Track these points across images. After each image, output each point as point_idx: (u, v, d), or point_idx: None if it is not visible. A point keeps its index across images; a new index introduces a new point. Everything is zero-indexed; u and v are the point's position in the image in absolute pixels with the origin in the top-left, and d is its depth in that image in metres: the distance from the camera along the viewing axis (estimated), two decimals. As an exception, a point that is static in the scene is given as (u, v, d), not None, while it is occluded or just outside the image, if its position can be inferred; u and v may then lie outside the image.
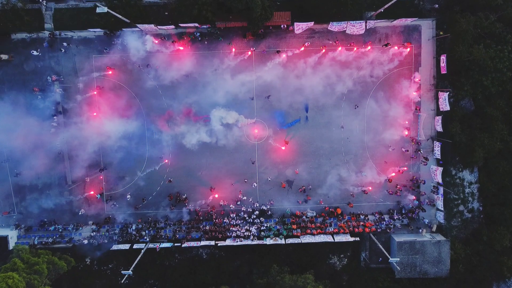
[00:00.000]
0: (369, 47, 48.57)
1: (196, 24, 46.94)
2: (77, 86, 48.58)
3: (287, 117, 49.87)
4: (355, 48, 48.57)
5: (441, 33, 47.60)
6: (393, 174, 49.90)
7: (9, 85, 48.57)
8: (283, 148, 49.65)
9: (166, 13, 48.67)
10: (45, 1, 47.61)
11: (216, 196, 49.99)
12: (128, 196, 49.77)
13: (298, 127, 50.01)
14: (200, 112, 49.17)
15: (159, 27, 47.21)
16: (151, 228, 49.81)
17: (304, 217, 50.25)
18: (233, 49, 48.63)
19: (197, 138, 48.53)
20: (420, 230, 50.18)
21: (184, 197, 49.99)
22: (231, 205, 50.32)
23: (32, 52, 47.81)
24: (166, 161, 49.50)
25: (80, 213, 49.89)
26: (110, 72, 48.54)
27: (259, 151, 50.16)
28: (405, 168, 50.08)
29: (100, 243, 49.37)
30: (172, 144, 49.34)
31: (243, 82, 48.68)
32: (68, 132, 48.76)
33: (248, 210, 50.29)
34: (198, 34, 48.45)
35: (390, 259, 46.25)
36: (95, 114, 48.70)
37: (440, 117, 47.58)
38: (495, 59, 45.79)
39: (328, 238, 48.44)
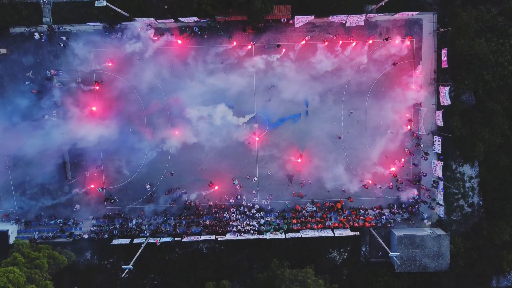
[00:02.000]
0: (370, 41, 48.19)
1: (196, 18, 46.61)
2: (76, 81, 48.26)
3: (274, 117, 49.59)
4: (355, 43, 48.21)
5: (442, 29, 47.26)
6: (394, 168, 49.83)
7: (7, 79, 48.19)
8: (299, 160, 49.62)
9: (166, 7, 48.26)
10: (44, -5, 47.32)
11: (216, 187, 49.92)
12: (148, 186, 49.69)
13: (297, 123, 49.90)
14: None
15: (158, 21, 46.89)
16: (151, 222, 49.85)
17: (304, 211, 50.26)
18: (234, 43, 48.31)
19: (196, 133, 48.42)
20: (425, 221, 50.26)
21: (183, 191, 49.94)
22: (231, 200, 50.28)
23: (35, 35, 47.37)
24: (177, 132, 48.79)
25: (77, 209, 49.90)
26: (110, 64, 48.20)
27: (259, 146, 50.04)
28: (404, 160, 50.08)
29: (100, 238, 49.38)
30: (172, 138, 49.09)
31: (242, 76, 48.49)
32: (67, 127, 48.49)
33: (248, 204, 50.25)
34: (197, 29, 48.08)
35: (390, 253, 46.32)
36: (94, 108, 48.50)
37: (441, 111, 47.35)
38: (496, 53, 45.51)
39: (328, 233, 48.51)
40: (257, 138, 49.64)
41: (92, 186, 49.85)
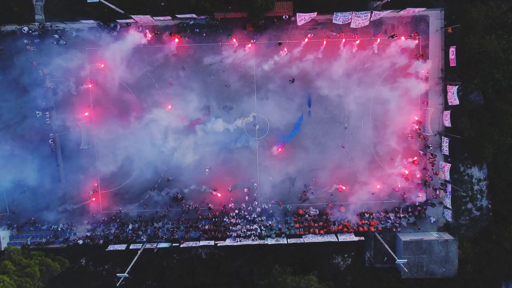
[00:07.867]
0: (375, 39, 46.57)
1: (194, 15, 45.01)
2: (70, 80, 46.53)
3: (274, 117, 47.84)
4: (359, 41, 46.55)
5: (449, 29, 45.64)
6: (407, 171, 48.09)
7: (-2, 78, 46.65)
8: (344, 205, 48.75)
9: (163, 4, 46.62)
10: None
11: (219, 195, 48.37)
12: (207, 170, 48.04)
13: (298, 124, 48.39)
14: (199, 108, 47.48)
15: (155, 18, 45.28)
16: (148, 227, 48.23)
17: (307, 215, 48.62)
18: (234, 40, 46.60)
19: (193, 135, 47.24)
20: (432, 219, 48.70)
21: (180, 196, 48.39)
22: (230, 204, 48.69)
23: (23, 29, 45.71)
24: (174, 133, 47.10)
25: (72, 209, 48.25)
26: (102, 66, 46.58)
27: (260, 149, 48.40)
28: (410, 162, 48.38)
29: (95, 243, 47.65)
30: (169, 139, 47.53)
31: (243, 76, 47.04)
32: (61, 128, 47.06)
33: (249, 208, 48.63)
34: (191, 22, 46.33)
35: (397, 260, 44.60)
36: (86, 114, 47.12)
37: (449, 111, 45.75)
38: (507, 51, 43.97)
39: (331, 238, 46.86)
40: (279, 149, 47.99)
41: (88, 191, 48.24)
